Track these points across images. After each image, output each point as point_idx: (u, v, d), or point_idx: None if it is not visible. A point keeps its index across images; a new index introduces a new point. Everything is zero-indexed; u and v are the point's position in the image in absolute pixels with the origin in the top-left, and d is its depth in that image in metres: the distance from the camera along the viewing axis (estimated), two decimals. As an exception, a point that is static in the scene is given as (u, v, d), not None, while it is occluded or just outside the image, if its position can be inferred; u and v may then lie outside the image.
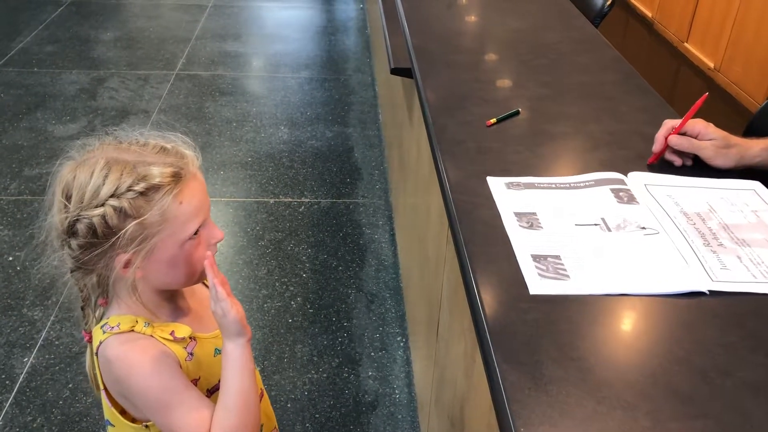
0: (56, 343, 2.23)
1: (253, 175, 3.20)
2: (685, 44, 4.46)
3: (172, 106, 3.77)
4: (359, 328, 2.37)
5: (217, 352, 1.01)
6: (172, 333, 0.95)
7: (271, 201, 3.03)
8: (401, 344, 2.31)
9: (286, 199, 3.05)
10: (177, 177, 0.90)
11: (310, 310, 2.42)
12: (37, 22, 4.85)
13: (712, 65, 4.12)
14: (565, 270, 0.87)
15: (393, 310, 2.46)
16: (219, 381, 0.95)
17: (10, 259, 2.59)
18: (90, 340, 0.99)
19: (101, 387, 0.96)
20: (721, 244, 0.93)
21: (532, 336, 0.79)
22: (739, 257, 0.90)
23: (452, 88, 1.36)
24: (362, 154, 3.44)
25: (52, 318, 2.31)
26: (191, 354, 0.97)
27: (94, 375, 0.99)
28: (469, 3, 1.97)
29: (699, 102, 1.10)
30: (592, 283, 0.85)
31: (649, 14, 4.94)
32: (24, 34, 4.65)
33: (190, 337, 0.98)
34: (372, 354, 2.26)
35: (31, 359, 2.16)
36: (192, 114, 3.70)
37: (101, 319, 0.97)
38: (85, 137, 0.96)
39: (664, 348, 0.78)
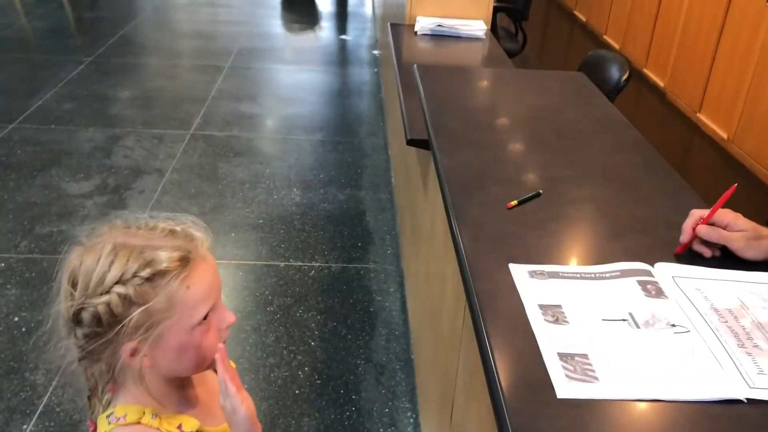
0: (57, 410, 2.17)
1: (264, 237, 3.18)
2: (698, 115, 4.49)
3: (185, 166, 3.79)
4: (368, 401, 2.30)
5: (225, 444, 0.97)
6: (179, 427, 0.91)
7: (282, 264, 3.00)
8: (411, 420, 2.24)
9: (296, 263, 3.01)
10: (185, 261, 0.88)
11: (318, 381, 2.36)
12: (58, 79, 4.94)
13: (725, 136, 4.12)
14: (593, 371, 0.82)
15: (403, 383, 2.39)
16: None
17: (16, 319, 2.55)
18: (95, 431, 0.95)
19: None
20: (756, 345, 0.88)
21: (561, 445, 0.74)
22: (776, 360, 0.86)
23: (471, 167, 1.34)
24: (374, 218, 3.42)
25: (54, 383, 2.26)
26: None
27: None
28: (487, 79, 1.97)
29: (728, 192, 1.07)
30: (622, 387, 0.81)
31: (661, 84, 4.98)
32: (44, 91, 4.73)
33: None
34: (381, 430, 2.19)
35: (30, 426, 2.10)
36: (205, 174, 3.72)
37: (108, 406, 0.93)
38: (95, 223, 0.93)
39: (703, 464, 0.73)
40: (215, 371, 1.04)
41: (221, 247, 3.06)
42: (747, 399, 0.80)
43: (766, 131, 3.73)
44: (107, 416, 0.91)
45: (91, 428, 0.97)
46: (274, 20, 7.12)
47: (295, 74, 5.48)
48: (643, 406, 0.79)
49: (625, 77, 2.40)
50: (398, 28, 3.27)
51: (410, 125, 2.12)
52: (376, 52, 5.97)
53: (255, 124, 4.46)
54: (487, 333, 0.89)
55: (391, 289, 2.89)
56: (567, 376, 0.82)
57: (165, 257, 0.86)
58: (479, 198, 1.23)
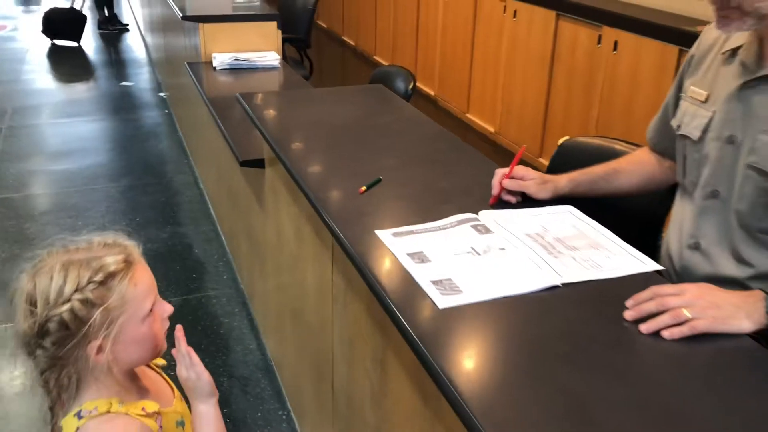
0: None
1: (95, 287, 3.16)
2: (468, 115, 5.14)
3: (-12, 233, 3.60)
4: (239, 411, 2.45)
5: (178, 423, 1.13)
6: (143, 409, 1.06)
7: (121, 309, 3.01)
8: (284, 417, 2.43)
9: (135, 305, 3.04)
10: (128, 263, 1.04)
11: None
12: None
13: (492, 129, 4.80)
14: (458, 287, 1.13)
15: (269, 388, 2.57)
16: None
17: None
18: None
19: None
20: (560, 252, 1.24)
21: (452, 337, 1.03)
22: (573, 258, 1.22)
23: (320, 169, 1.61)
24: (202, 250, 3.53)
25: None
26: (161, 427, 1.09)
27: None
28: (304, 99, 2.25)
29: (520, 153, 1.45)
30: (479, 293, 1.12)
31: (432, 93, 5.62)
32: None
33: (156, 412, 1.09)
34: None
35: None
36: (13, 238, 3.57)
37: (67, 414, 1.05)
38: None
39: (544, 329, 1.06)
40: (150, 367, 1.20)
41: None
42: (562, 284, 1.15)
43: (522, 121, 4.44)
44: (75, 414, 1.03)
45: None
46: (44, 75, 6.81)
47: (85, 125, 5.35)
48: (495, 302, 1.11)
49: (411, 86, 2.81)
50: (195, 66, 3.44)
51: (239, 149, 2.34)
52: (162, 94, 6.00)
53: (54, 180, 4.32)
54: (375, 277, 1.16)
55: (236, 310, 3.04)
56: (441, 293, 1.11)
57: (112, 261, 1.02)
58: (335, 191, 1.50)
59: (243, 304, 3.08)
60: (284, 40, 3.81)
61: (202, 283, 3.24)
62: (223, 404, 2.49)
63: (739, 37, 1.20)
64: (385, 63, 6.35)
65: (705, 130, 1.22)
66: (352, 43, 7.34)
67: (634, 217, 1.51)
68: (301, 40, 4.18)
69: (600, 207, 1.45)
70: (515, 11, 4.35)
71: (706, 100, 1.23)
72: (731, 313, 1.02)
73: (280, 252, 2.23)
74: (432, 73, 5.60)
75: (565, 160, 1.73)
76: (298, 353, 2.21)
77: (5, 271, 3.19)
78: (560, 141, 1.76)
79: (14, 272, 1.07)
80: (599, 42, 3.67)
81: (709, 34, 1.29)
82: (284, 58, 3.69)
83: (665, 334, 1.01)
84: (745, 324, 1.02)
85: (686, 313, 1.01)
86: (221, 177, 3.37)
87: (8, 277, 1.06)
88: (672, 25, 3.23)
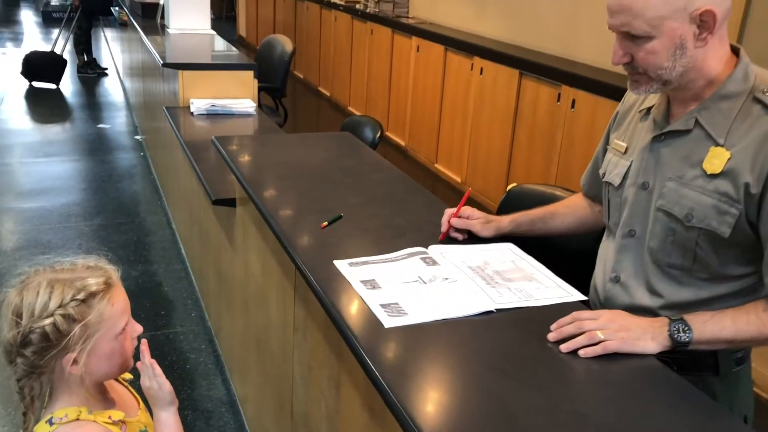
0: None
1: (65, 321, 3.22)
2: (436, 165, 5.34)
3: (-39, 266, 3.65)
4: (203, 444, 2.52)
5: (142, 432, 1.24)
6: (110, 417, 1.17)
7: (89, 343, 3.07)
8: (246, 449, 2.50)
9: (104, 339, 3.10)
10: (108, 284, 1.16)
11: (152, 435, 2.52)
12: None
13: (459, 179, 4.99)
14: (404, 310, 1.26)
15: (232, 422, 2.64)
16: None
17: None
18: None
19: None
20: (497, 282, 1.39)
21: (395, 354, 1.15)
22: (509, 288, 1.37)
23: (287, 207, 1.75)
24: (172, 288, 3.62)
25: None
26: None
27: None
28: (274, 143, 2.40)
29: (466, 195, 1.60)
30: (422, 315, 1.25)
31: (402, 143, 5.83)
32: None
33: (122, 421, 1.20)
34: (222, 462, 2.42)
35: None
36: (-15, 271, 3.62)
37: (39, 420, 1.15)
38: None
39: (479, 347, 1.19)
40: (118, 381, 1.31)
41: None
42: (496, 309, 1.29)
43: (487, 172, 4.64)
44: (47, 421, 1.13)
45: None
46: (21, 116, 6.91)
47: (60, 165, 5.44)
48: (435, 324, 1.24)
49: (378, 135, 2.98)
50: (173, 110, 3.58)
51: (212, 189, 2.47)
52: (138, 137, 6.13)
53: (28, 217, 4.39)
54: (331, 302, 1.29)
55: (203, 347, 3.12)
56: (388, 315, 1.24)
57: (94, 282, 1.13)
58: (300, 226, 1.63)
59: (210, 341, 3.16)
60: (260, 89, 3.98)
61: (170, 319, 3.32)
62: (187, 436, 2.57)
63: (653, 98, 1.38)
64: (358, 113, 6.57)
65: (624, 177, 1.38)
66: (328, 93, 7.57)
67: (573, 254, 1.66)
68: (276, 89, 4.36)
69: (542, 246, 1.60)
70: (482, 68, 4.60)
71: (626, 152, 1.40)
72: (638, 335, 1.16)
73: (247, 286, 2.35)
74: (403, 124, 5.82)
75: (512, 204, 1.88)
76: (261, 385, 2.30)
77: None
78: (509, 187, 1.92)
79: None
80: (558, 100, 3.90)
81: (631, 94, 1.47)
82: (260, 105, 3.86)
83: (581, 353, 1.15)
84: (651, 345, 1.16)
85: (600, 335, 1.15)
86: (193, 217, 3.48)
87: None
88: (624, 86, 3.46)
